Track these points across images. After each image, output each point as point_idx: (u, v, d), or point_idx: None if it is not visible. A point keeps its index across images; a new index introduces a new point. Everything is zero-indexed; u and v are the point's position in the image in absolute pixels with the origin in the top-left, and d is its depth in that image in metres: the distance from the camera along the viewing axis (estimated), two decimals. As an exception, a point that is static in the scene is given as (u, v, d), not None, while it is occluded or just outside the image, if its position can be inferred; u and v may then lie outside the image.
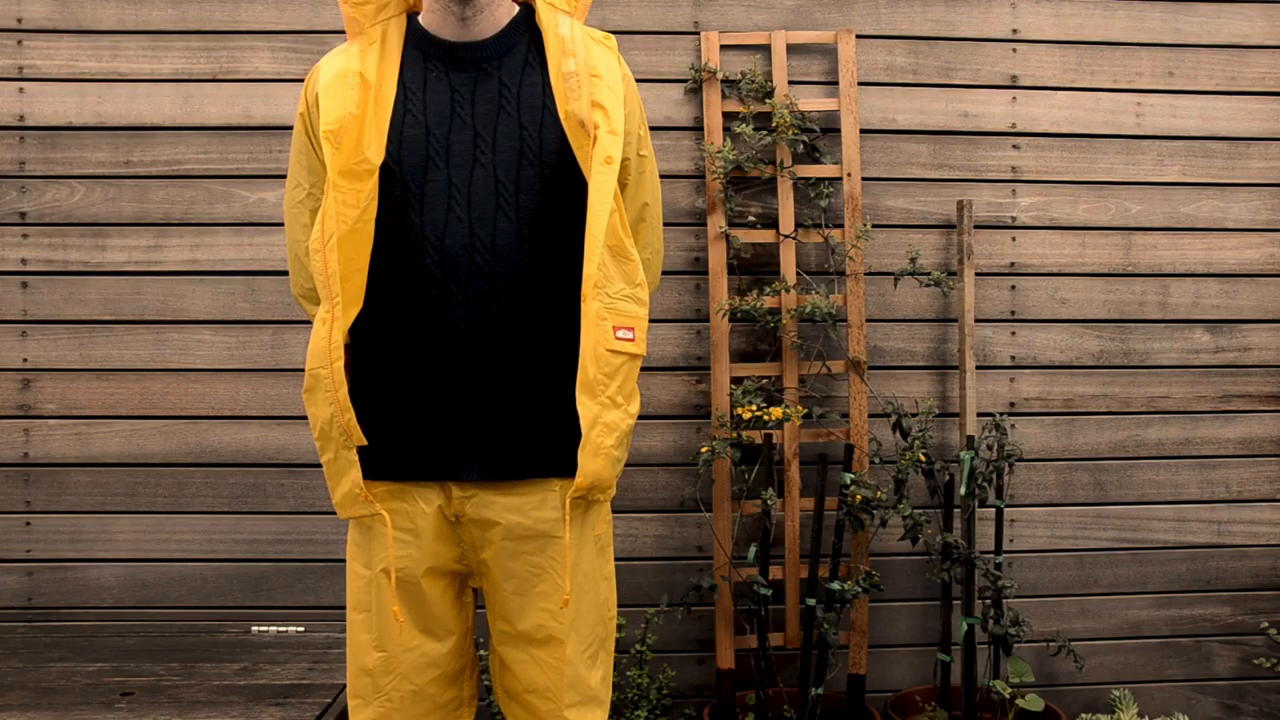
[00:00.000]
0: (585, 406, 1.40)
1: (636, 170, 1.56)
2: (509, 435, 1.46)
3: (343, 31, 2.50)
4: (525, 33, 1.50)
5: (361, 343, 1.49)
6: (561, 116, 1.44)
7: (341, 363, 1.40)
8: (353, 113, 1.41)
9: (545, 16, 1.48)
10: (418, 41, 1.49)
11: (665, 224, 2.54)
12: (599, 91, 1.43)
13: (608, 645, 1.58)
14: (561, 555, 1.48)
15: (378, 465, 1.48)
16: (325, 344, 1.40)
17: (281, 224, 2.50)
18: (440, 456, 1.46)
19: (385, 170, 1.42)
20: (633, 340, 1.45)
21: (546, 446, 1.48)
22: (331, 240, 1.37)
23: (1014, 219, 2.63)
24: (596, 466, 1.42)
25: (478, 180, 1.43)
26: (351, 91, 1.42)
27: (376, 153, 1.41)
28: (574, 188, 1.45)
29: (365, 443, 1.43)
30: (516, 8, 1.53)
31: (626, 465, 2.54)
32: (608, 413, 1.42)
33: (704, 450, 2.42)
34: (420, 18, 1.51)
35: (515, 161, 1.43)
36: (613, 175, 1.40)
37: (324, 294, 1.40)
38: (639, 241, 1.60)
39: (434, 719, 1.55)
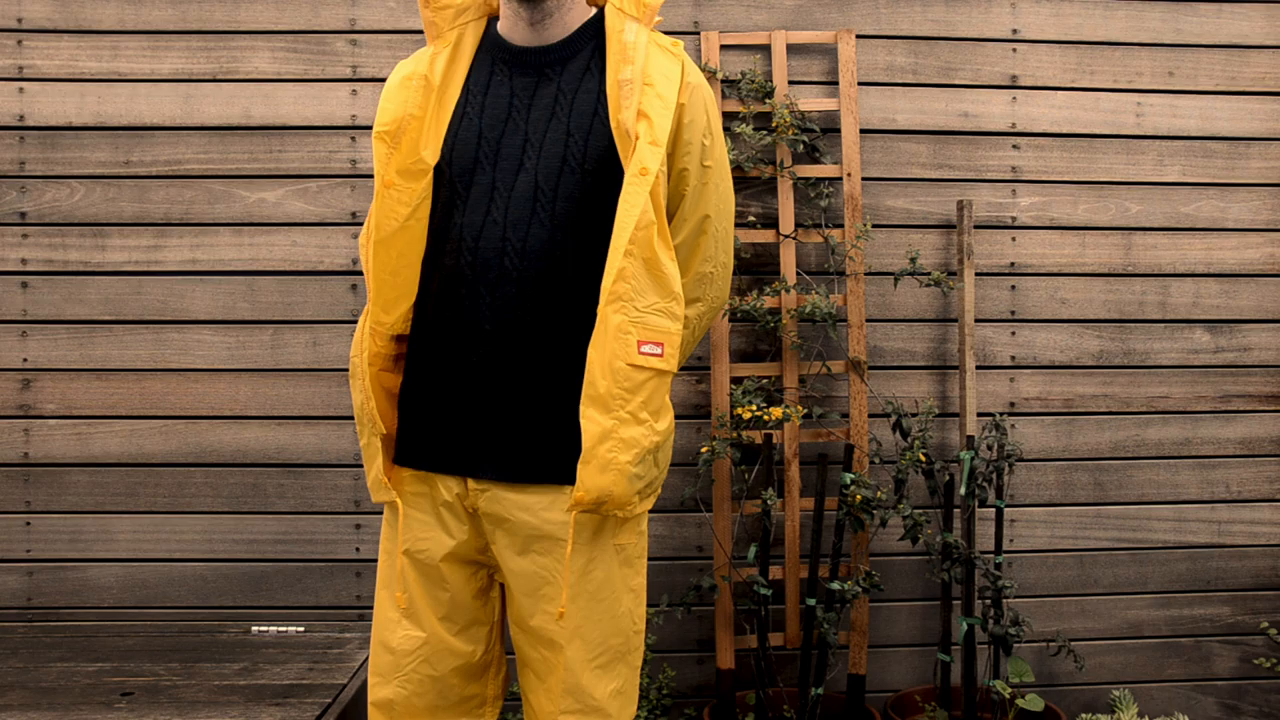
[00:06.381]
0: (593, 421, 1.37)
1: (698, 181, 1.51)
2: (525, 439, 1.46)
3: (343, 32, 2.51)
4: (593, 39, 1.50)
5: (414, 334, 1.52)
6: (613, 125, 1.43)
7: (369, 354, 1.47)
8: (413, 114, 1.47)
9: (612, 22, 1.47)
10: (490, 46, 1.52)
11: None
12: (647, 100, 1.41)
13: (629, 659, 1.52)
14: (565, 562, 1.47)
15: (409, 452, 1.52)
16: (360, 335, 1.49)
17: (280, 224, 2.51)
18: (460, 451, 1.48)
19: (438, 171, 1.47)
20: (660, 356, 1.40)
21: (561, 455, 1.46)
22: (370, 241, 1.46)
23: (1014, 219, 2.63)
24: (606, 482, 1.38)
25: (520, 184, 1.44)
26: (414, 94, 1.48)
27: (432, 154, 1.47)
28: (618, 196, 1.42)
29: (385, 431, 1.49)
30: (592, 12, 1.53)
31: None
32: (626, 428, 1.38)
33: (704, 450, 2.42)
34: (498, 23, 1.54)
35: (557, 167, 1.44)
36: (645, 187, 1.38)
37: (367, 288, 1.49)
38: (698, 255, 1.55)
39: (453, 713, 1.55)
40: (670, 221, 1.51)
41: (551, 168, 1.44)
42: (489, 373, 1.45)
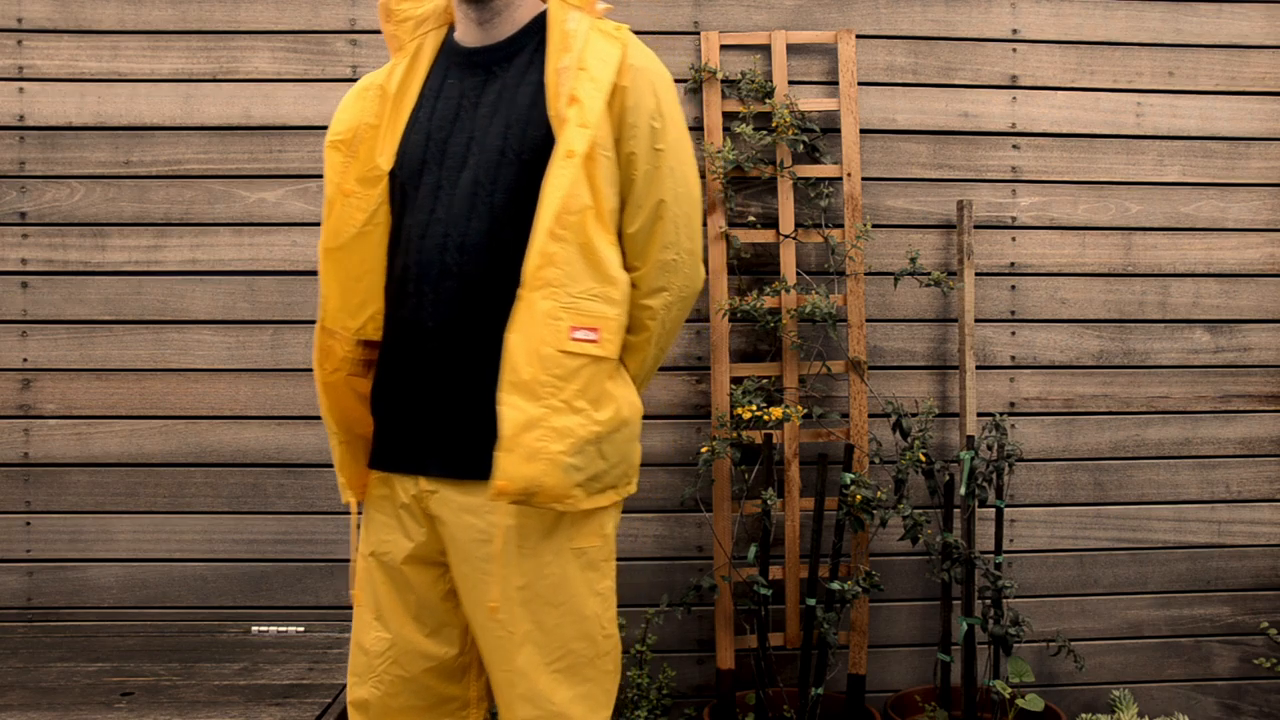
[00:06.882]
0: (515, 408, 1.33)
1: (650, 165, 1.45)
2: (468, 434, 1.44)
3: (343, 32, 2.51)
4: (538, 32, 1.50)
5: (382, 337, 1.54)
6: (551, 114, 1.42)
7: (336, 360, 1.51)
8: (369, 123, 1.50)
9: (554, 13, 1.47)
10: (447, 51, 1.54)
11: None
12: (579, 85, 1.39)
13: (599, 664, 1.48)
14: (511, 563, 1.42)
15: (374, 453, 1.55)
16: (315, 343, 1.52)
17: (280, 224, 2.51)
18: (411, 450, 1.49)
19: (393, 175, 1.49)
20: (595, 341, 1.37)
21: None
22: (324, 249, 1.50)
23: (1014, 219, 2.63)
24: (534, 472, 1.33)
25: (463, 181, 1.44)
26: (370, 104, 1.51)
27: (386, 160, 1.49)
28: None
29: (339, 433, 1.53)
30: (541, 8, 1.52)
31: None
32: (559, 417, 1.35)
33: (704, 450, 2.42)
34: (454, 30, 1.55)
35: (495, 160, 1.43)
36: (571, 169, 1.36)
37: (321, 295, 1.51)
38: (657, 241, 1.48)
39: (434, 714, 1.54)
40: (625, 208, 1.47)
41: (490, 161, 1.43)
42: (433, 370, 1.45)
